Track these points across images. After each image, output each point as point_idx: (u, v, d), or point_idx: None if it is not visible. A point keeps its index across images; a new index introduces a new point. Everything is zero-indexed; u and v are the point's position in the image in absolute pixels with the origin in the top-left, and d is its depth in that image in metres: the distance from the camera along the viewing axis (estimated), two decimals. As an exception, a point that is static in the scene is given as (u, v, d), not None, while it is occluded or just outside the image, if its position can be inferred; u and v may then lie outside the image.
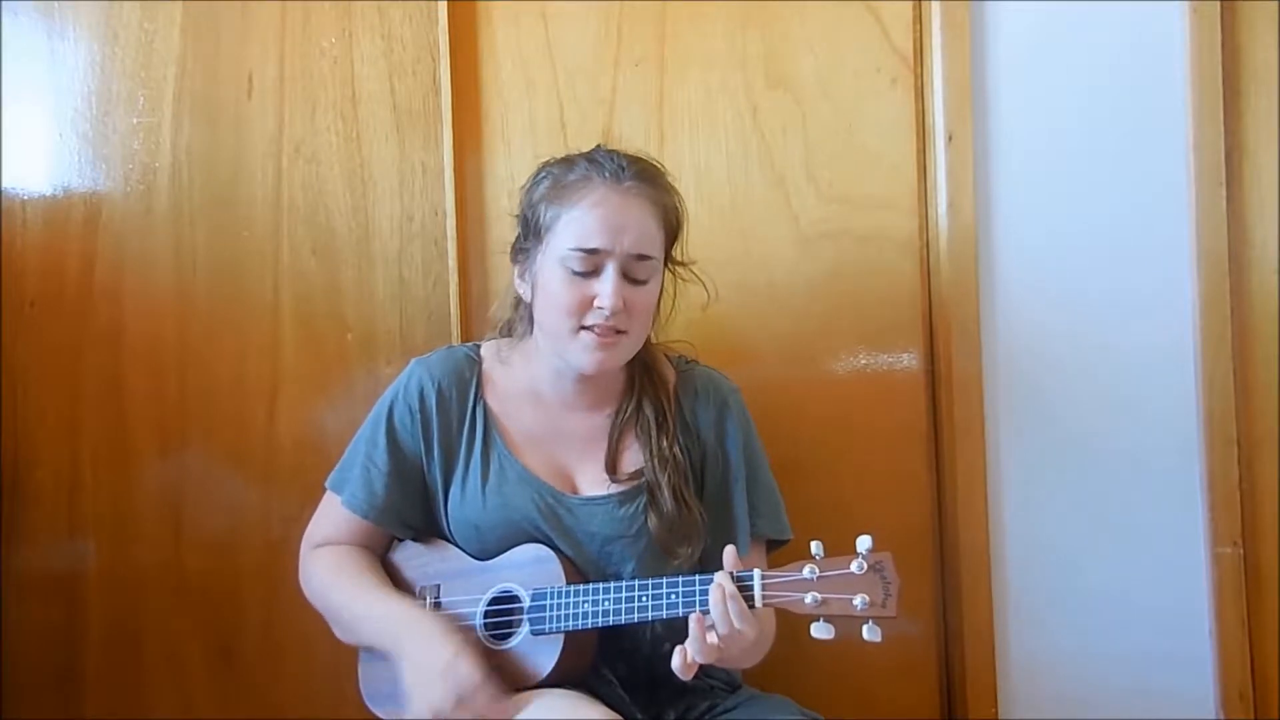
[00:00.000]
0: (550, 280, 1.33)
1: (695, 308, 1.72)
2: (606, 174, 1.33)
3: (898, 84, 1.78)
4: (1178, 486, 1.78)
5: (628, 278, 1.32)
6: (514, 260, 1.41)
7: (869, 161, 1.77)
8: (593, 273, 1.31)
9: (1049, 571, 1.77)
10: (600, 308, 1.30)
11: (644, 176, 1.34)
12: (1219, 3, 1.76)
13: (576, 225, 1.31)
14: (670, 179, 1.40)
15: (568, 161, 1.37)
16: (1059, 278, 1.77)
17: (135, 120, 1.73)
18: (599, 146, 1.40)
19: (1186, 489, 1.78)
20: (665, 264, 1.39)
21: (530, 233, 1.37)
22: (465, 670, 1.23)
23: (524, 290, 1.39)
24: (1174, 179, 1.77)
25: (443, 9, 1.72)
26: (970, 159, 1.74)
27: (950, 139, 1.74)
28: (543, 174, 1.39)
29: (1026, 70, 1.77)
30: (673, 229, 1.38)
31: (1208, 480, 1.77)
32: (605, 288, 1.30)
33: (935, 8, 1.75)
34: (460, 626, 1.32)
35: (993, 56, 1.76)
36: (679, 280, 1.45)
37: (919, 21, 1.77)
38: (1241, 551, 1.76)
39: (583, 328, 1.32)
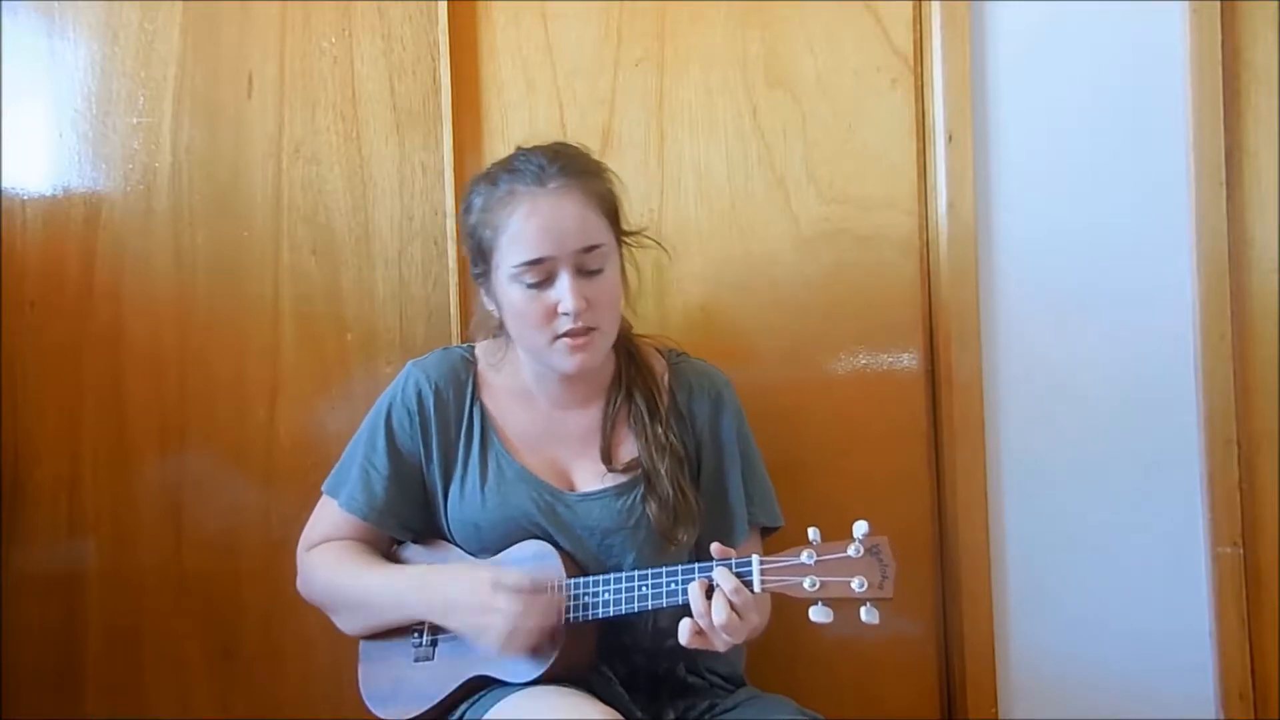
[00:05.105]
0: (510, 299, 1.33)
1: (695, 308, 1.73)
2: (529, 180, 1.31)
3: (898, 84, 1.78)
4: (1178, 486, 1.77)
5: (582, 272, 1.31)
6: (476, 282, 1.41)
7: (869, 161, 1.77)
8: (546, 281, 1.31)
9: (1049, 571, 1.77)
10: (565, 313, 1.30)
11: (568, 170, 1.32)
12: (1219, 3, 1.75)
13: (516, 241, 1.30)
14: (594, 157, 1.38)
15: (490, 177, 1.36)
16: (1059, 277, 1.77)
17: (135, 120, 1.73)
18: (518, 150, 1.38)
19: (1186, 489, 1.77)
20: (618, 242, 1.38)
21: (479, 257, 1.36)
22: (505, 598, 1.25)
23: (493, 309, 1.40)
24: (1174, 179, 1.77)
25: (443, 9, 1.72)
26: (970, 159, 1.74)
27: (950, 139, 1.74)
28: (472, 194, 1.37)
29: (1026, 70, 1.76)
30: (612, 209, 1.37)
31: (1208, 480, 1.77)
32: (563, 293, 1.30)
33: (935, 8, 1.75)
34: (481, 563, 1.34)
35: (993, 56, 1.76)
36: (638, 252, 1.43)
37: (919, 21, 1.77)
38: (1241, 551, 1.76)
39: (556, 336, 1.32)
